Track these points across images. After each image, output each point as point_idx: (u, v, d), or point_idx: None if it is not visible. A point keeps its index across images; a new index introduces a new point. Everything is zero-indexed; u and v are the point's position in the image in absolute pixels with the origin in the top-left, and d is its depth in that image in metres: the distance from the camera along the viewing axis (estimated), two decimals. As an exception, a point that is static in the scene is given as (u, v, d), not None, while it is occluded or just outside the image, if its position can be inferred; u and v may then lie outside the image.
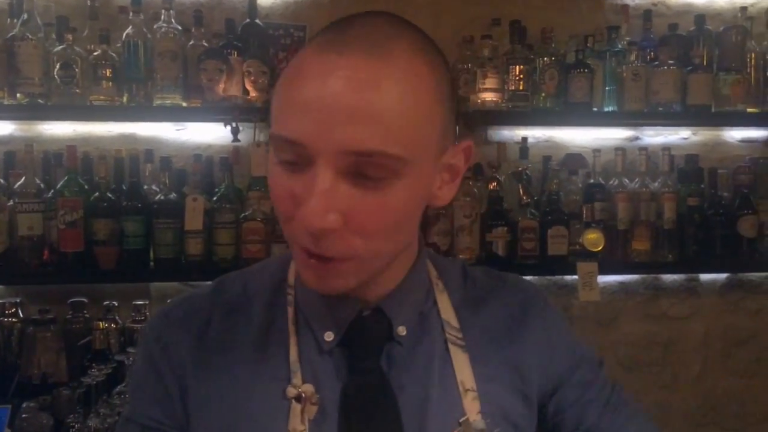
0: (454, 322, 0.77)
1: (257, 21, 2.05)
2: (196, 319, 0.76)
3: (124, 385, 1.75)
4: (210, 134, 2.10)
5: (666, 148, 2.21)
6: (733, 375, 2.42)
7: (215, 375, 0.73)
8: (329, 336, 0.73)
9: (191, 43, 1.97)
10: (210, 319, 0.76)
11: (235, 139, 1.96)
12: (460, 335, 0.77)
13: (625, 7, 2.27)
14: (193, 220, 1.89)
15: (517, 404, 0.78)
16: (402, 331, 0.74)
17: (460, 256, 2.02)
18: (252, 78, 1.94)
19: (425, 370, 0.74)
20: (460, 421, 0.72)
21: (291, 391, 0.70)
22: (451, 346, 0.76)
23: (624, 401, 0.85)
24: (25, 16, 1.86)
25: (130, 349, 1.79)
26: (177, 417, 0.74)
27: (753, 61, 2.21)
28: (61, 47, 1.88)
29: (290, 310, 0.75)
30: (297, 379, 0.70)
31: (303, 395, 0.69)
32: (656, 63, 2.14)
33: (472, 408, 0.73)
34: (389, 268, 0.72)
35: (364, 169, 0.61)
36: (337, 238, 0.62)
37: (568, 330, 0.87)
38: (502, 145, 2.18)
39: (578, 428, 0.82)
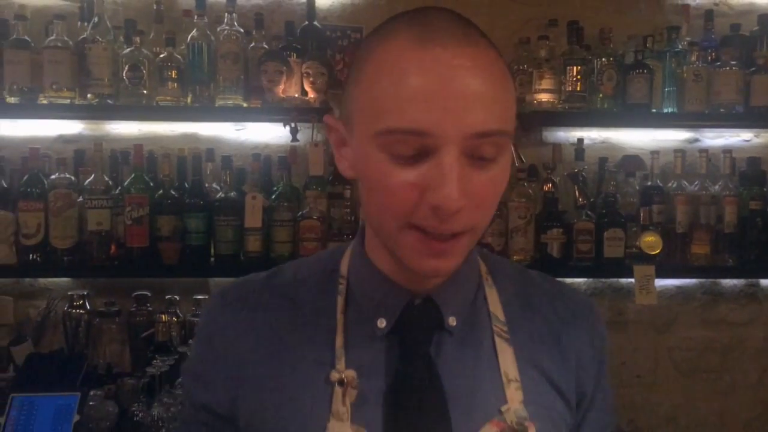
0: (502, 317, 0.79)
1: (315, 23, 2.09)
2: (250, 300, 0.80)
3: (185, 376, 1.80)
4: (268, 134, 2.15)
5: (727, 151, 2.17)
6: (794, 384, 2.35)
7: (263, 358, 0.76)
8: (382, 323, 0.75)
9: (252, 45, 2.02)
10: (262, 301, 0.80)
11: (294, 139, 2.00)
12: (505, 329, 0.79)
13: (686, 7, 2.23)
14: (253, 218, 1.93)
15: (557, 403, 0.79)
16: (453, 321, 0.76)
17: (515, 258, 2.02)
18: (311, 79, 1.98)
19: (473, 360, 0.76)
20: (502, 409, 0.74)
21: (334, 376, 0.72)
22: (497, 338, 0.78)
23: None
24: (96, 19, 1.94)
25: (192, 342, 1.85)
26: (223, 402, 0.77)
27: (819, 61, 2.15)
28: (129, 50, 1.95)
29: (340, 300, 0.78)
30: (341, 364, 0.73)
31: (345, 380, 0.72)
32: (718, 63, 2.10)
33: (515, 397, 0.74)
34: None
35: (481, 150, 0.65)
36: (462, 215, 0.66)
37: (606, 361, 0.87)
38: (557, 147, 2.17)
39: None
